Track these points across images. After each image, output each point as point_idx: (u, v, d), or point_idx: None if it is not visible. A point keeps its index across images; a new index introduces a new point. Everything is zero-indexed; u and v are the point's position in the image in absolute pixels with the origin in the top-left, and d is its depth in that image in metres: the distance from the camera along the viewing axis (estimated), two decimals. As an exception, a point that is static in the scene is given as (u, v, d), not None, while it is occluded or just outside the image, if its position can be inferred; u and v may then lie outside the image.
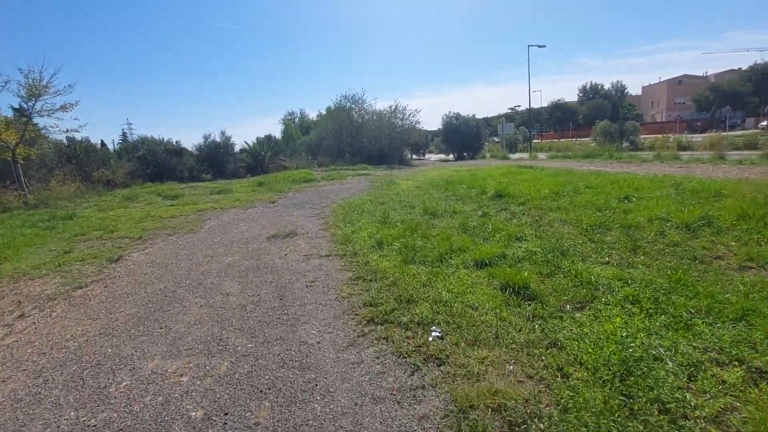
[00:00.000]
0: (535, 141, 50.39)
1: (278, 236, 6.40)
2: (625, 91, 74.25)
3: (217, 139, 20.14)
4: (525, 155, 29.02)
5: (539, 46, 28.33)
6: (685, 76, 59.51)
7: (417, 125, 24.77)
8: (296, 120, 49.49)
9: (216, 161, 19.69)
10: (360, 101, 25.03)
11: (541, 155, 24.85)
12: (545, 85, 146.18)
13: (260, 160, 20.65)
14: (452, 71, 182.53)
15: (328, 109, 33.09)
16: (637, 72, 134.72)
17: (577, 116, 63.26)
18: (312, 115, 47.23)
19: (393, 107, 23.95)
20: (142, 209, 10.89)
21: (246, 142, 21.32)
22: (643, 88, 69.26)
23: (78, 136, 18.33)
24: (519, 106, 67.04)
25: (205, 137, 20.04)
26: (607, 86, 75.87)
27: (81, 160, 18.29)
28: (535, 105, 64.29)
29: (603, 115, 64.59)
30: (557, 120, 61.51)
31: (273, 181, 14.78)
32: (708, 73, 60.36)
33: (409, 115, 23.96)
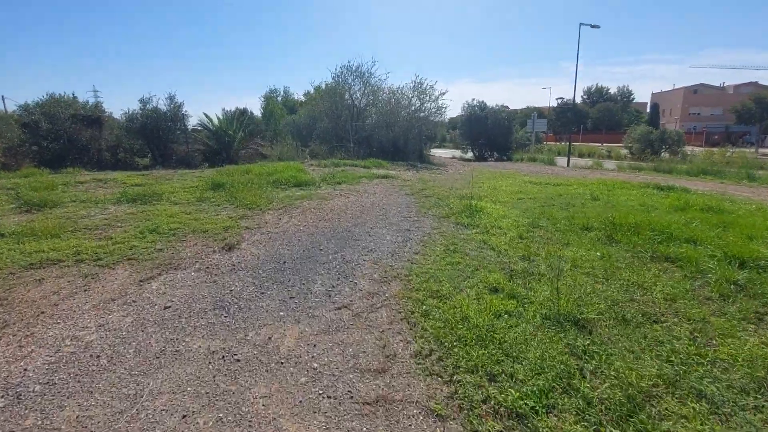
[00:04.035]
0: (549, 143, 45.14)
1: None
2: (632, 97, 70.57)
3: (162, 107, 13.34)
4: (561, 159, 23.52)
5: (592, 26, 22.81)
6: (701, 85, 55.73)
7: (443, 110, 18.62)
8: (279, 99, 42.47)
9: (157, 139, 12.85)
10: (367, 74, 18.65)
11: (609, 164, 19.32)
12: (531, 87, 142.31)
13: (227, 143, 14.07)
14: (439, 69, 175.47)
15: (317, 88, 26.57)
16: (617, 81, 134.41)
17: (586, 119, 58.69)
18: (299, 93, 40.43)
19: (415, 83, 17.71)
20: None
21: (206, 115, 14.60)
22: (653, 94, 65.38)
23: None
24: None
25: (143, 102, 13.11)
26: (612, 90, 72.07)
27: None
28: (543, 104, 59.38)
29: (613, 120, 60.45)
30: (565, 122, 56.68)
31: (241, 182, 8.48)
32: (725, 84, 56.83)
33: (436, 97, 17.82)
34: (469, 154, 25.85)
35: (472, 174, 12.96)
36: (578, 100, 71.18)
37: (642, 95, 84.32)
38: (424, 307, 2.95)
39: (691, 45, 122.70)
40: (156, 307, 3.09)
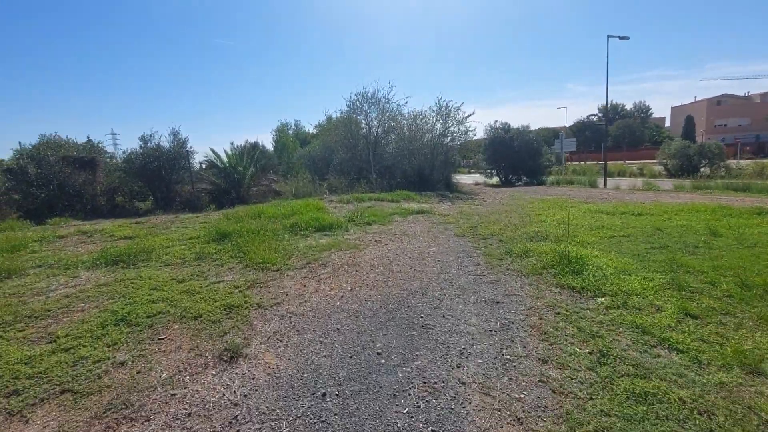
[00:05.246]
0: (569, 163, 43.13)
1: None
2: (649, 112, 68.86)
3: (164, 144, 12.05)
4: (599, 179, 21.58)
5: (621, 38, 21.44)
6: (725, 95, 53.69)
7: (471, 133, 17.04)
8: (290, 132, 41.75)
9: (159, 180, 11.46)
10: (384, 100, 17.27)
11: (666, 183, 17.39)
12: (537, 110, 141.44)
13: (237, 180, 12.64)
14: (448, 98, 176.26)
15: (329, 118, 25.48)
16: (625, 98, 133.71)
17: (606, 137, 56.83)
18: (310, 125, 39.68)
19: (439, 107, 16.22)
20: None
21: (213, 151, 13.28)
22: (673, 108, 63.45)
23: None
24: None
25: (144, 140, 11.86)
26: (628, 106, 70.53)
27: None
28: (560, 124, 58.00)
29: (633, 136, 58.47)
30: (585, 140, 54.92)
31: (251, 229, 6.84)
32: (750, 93, 54.67)
33: (461, 120, 16.29)
34: (494, 179, 24.09)
35: (517, 203, 11.17)
36: (594, 118, 69.74)
37: (656, 110, 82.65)
38: None
39: (694, 60, 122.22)
40: None
